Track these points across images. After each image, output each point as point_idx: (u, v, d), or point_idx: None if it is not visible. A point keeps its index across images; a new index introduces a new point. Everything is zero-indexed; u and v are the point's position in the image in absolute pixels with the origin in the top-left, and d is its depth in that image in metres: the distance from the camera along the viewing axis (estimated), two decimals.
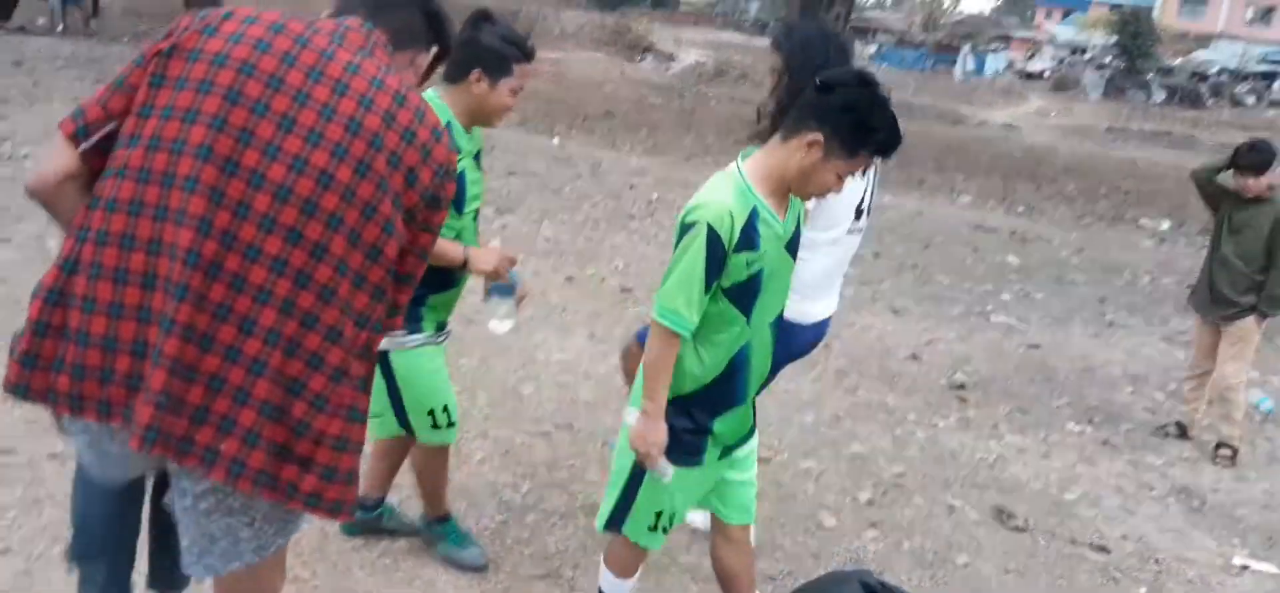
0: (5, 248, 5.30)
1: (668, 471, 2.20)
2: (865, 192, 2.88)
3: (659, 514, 2.33)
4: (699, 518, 3.20)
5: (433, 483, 2.93)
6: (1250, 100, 31.53)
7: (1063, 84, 33.19)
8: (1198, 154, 17.73)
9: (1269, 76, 35.18)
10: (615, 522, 2.37)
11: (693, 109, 15.62)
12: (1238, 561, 3.59)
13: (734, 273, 2.11)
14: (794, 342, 2.89)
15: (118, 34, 15.31)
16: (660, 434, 2.17)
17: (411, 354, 2.63)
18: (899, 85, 23.88)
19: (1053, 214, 10.76)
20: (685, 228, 2.11)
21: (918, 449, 4.29)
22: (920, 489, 3.88)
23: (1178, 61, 37.51)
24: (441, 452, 2.88)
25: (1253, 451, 4.66)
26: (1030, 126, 20.66)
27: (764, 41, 29.27)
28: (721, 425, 2.26)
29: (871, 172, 2.85)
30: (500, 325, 2.76)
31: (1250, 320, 4.53)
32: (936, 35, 42.85)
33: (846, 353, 5.39)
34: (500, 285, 2.71)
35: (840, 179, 2.11)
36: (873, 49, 37.50)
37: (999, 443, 4.49)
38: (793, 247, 2.26)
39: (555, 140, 11.54)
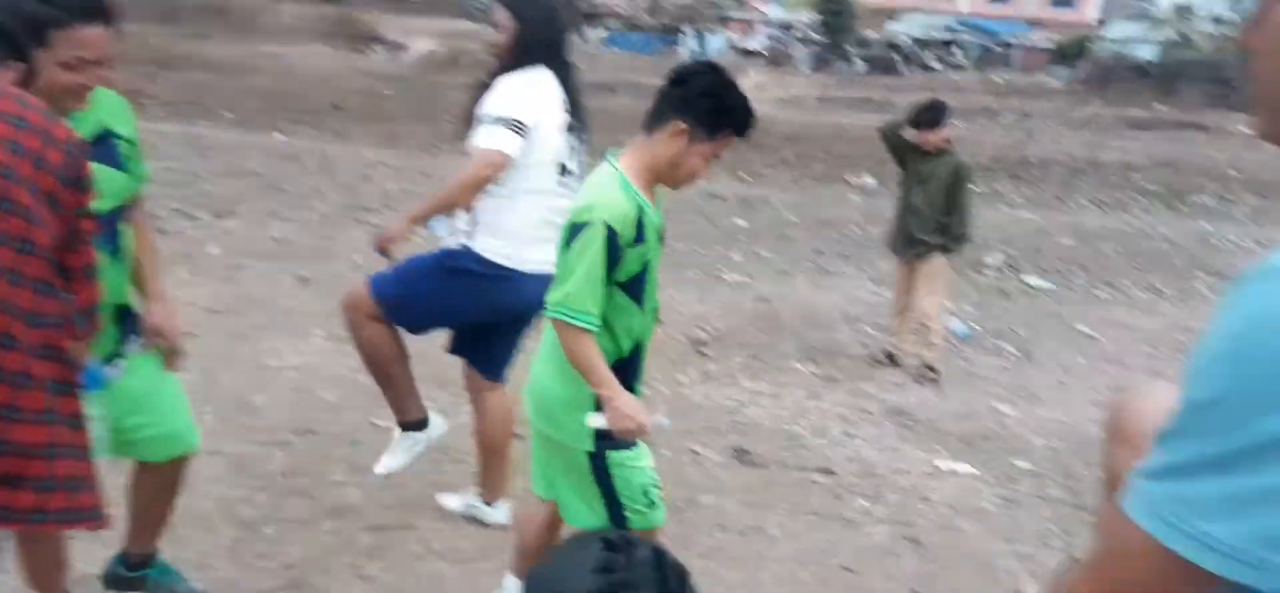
0: None
1: (664, 421, 2.45)
2: (566, 154, 2.99)
3: (645, 490, 2.36)
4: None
5: (159, 511, 2.58)
6: (937, 66, 35.31)
7: (777, 59, 35.57)
8: (896, 115, 19.72)
9: (949, 43, 39.56)
10: (620, 527, 2.32)
11: (428, 98, 15.30)
12: (941, 466, 4.04)
13: (629, 267, 2.22)
14: (521, 291, 2.94)
15: None
16: (631, 404, 2.25)
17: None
18: (629, 68, 24.62)
19: (774, 179, 11.55)
20: (576, 228, 2.19)
21: (664, 407, 4.47)
22: (667, 442, 4.04)
23: (873, 34, 41.27)
24: (174, 469, 2.52)
25: (951, 370, 5.25)
26: (752, 100, 21.98)
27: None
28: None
29: (570, 134, 2.99)
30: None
31: (939, 257, 5.10)
32: (660, 18, 44.51)
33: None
34: None
35: (706, 161, 2.25)
36: (602, 33, 38.35)
37: (737, 390, 4.77)
38: (663, 236, 2.38)
39: (278, 137, 10.90)
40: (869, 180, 11.59)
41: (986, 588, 3.09)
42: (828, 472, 3.88)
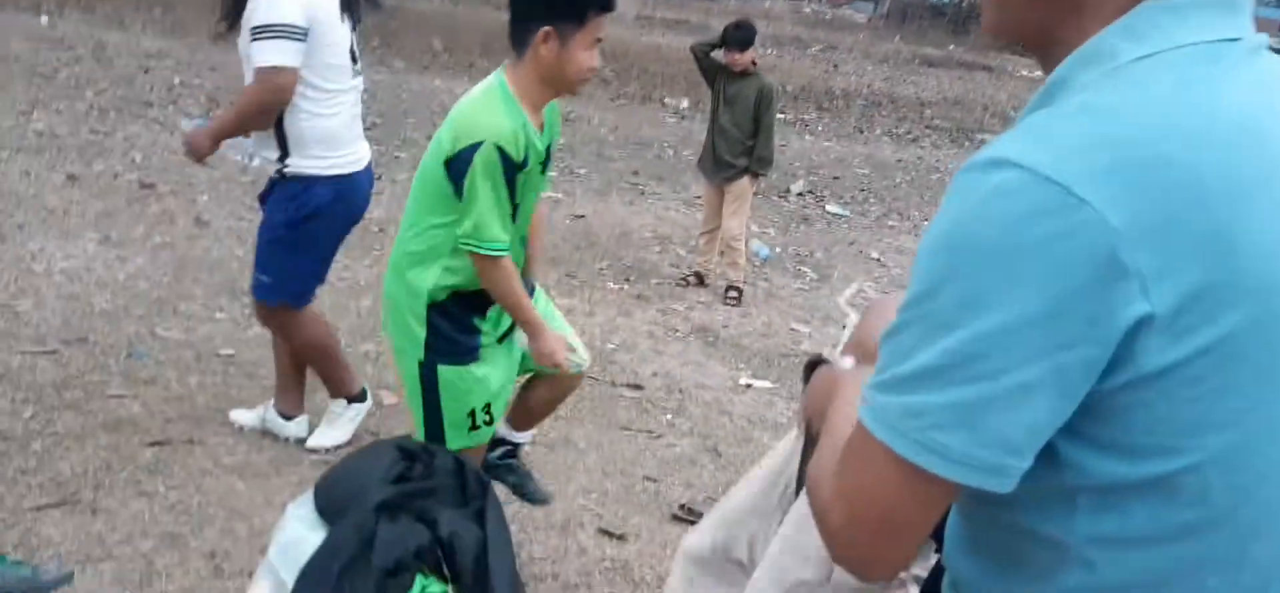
0: None
1: (582, 359, 2.55)
2: (351, 41, 2.92)
3: (472, 413, 2.31)
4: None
5: None
6: None
7: None
8: (708, 37, 20.01)
9: None
10: (437, 442, 2.26)
11: None
12: (743, 381, 4.22)
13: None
14: (359, 189, 2.99)
15: None
16: (552, 338, 2.31)
17: None
18: None
19: (593, 97, 11.48)
20: (464, 154, 2.11)
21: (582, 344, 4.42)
22: None
23: None
24: None
25: (754, 291, 5.47)
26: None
27: None
28: (488, 321, 2.32)
29: (349, 24, 2.90)
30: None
31: (745, 180, 5.25)
32: None
33: None
34: None
35: (589, 50, 2.16)
36: None
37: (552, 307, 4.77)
38: (546, 162, 2.32)
39: (43, 19, 9.77)
40: (684, 102, 11.76)
41: None
42: (636, 387, 3.97)
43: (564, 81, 2.21)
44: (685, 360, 4.39)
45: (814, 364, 1.22)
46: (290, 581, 1.98)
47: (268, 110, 2.76)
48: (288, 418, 3.14)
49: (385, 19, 13.60)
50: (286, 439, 3.12)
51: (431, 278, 2.26)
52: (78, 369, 3.34)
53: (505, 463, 2.68)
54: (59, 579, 2.17)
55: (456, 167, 2.14)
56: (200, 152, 2.85)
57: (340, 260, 4.74)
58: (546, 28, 2.12)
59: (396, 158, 6.88)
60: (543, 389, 2.61)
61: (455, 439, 2.34)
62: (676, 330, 4.75)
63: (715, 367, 4.36)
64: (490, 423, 2.39)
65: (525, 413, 2.66)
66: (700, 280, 5.45)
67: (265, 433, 3.14)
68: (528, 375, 2.58)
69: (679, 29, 21.73)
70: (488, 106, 2.16)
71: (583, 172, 7.71)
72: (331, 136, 2.87)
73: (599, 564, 2.75)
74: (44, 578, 2.17)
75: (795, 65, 16.40)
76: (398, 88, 9.40)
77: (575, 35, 2.14)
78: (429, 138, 7.58)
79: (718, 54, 5.19)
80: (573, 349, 2.47)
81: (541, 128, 2.27)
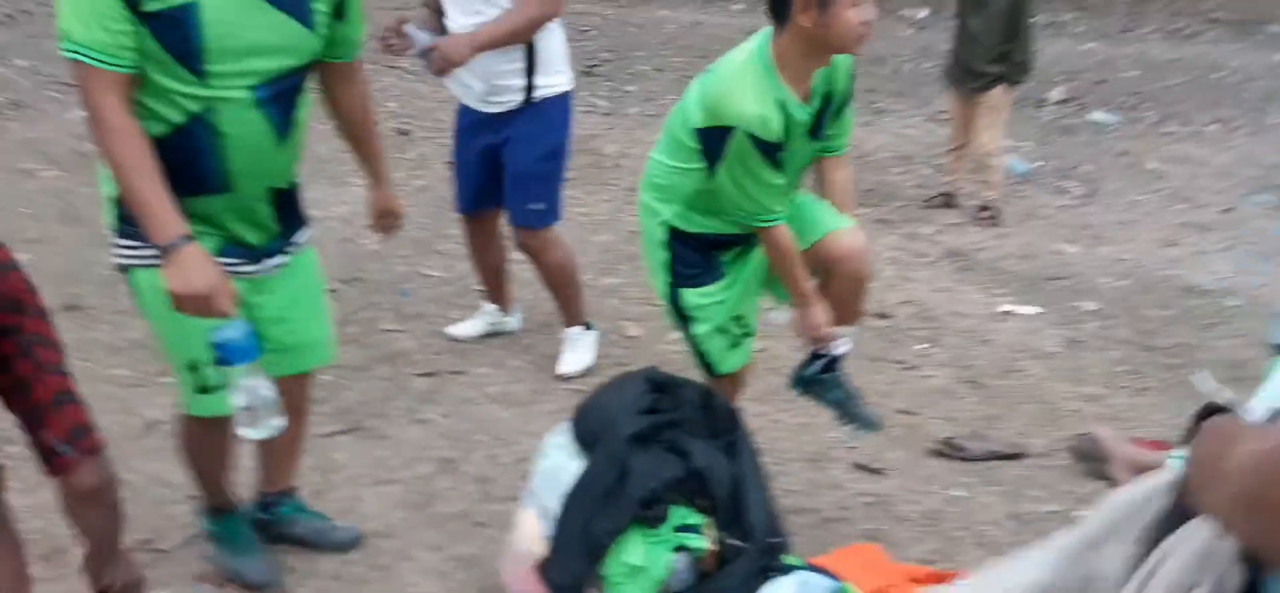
0: None
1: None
2: None
3: (723, 329, 2.36)
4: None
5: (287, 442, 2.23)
6: None
7: None
8: None
9: None
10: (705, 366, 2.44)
11: None
12: (1002, 308, 3.92)
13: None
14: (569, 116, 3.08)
15: None
16: (815, 313, 2.27)
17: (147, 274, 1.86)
18: None
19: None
20: (714, 133, 2.05)
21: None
22: None
23: None
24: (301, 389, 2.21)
25: (1011, 209, 5.06)
26: None
27: None
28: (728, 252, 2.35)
29: None
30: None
31: (999, 90, 4.83)
32: None
33: (636, 170, 5.34)
34: None
35: (856, 5, 1.98)
36: None
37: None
38: (817, 128, 2.18)
39: None
40: (922, 11, 11.04)
41: (1051, 430, 3.02)
42: (883, 316, 3.79)
43: (833, 46, 2.04)
44: (936, 287, 4.14)
45: (1209, 412, 0.99)
46: (554, 507, 2.04)
47: (539, 24, 2.81)
48: (507, 313, 3.41)
49: None
50: (512, 331, 3.39)
51: (667, 211, 2.28)
52: (354, 307, 3.62)
53: (822, 378, 2.45)
54: (347, 542, 2.33)
55: (707, 143, 2.09)
56: (458, 58, 2.78)
57: (576, 195, 4.86)
58: None
59: (626, 91, 6.93)
60: (834, 286, 2.38)
61: (719, 359, 2.35)
62: (925, 255, 4.49)
63: (970, 292, 4.08)
64: (747, 335, 2.36)
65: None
66: (948, 201, 5.11)
67: (495, 333, 3.40)
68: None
69: None
70: (741, 84, 2.04)
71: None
72: (564, 52, 2.96)
73: (857, 498, 2.66)
74: (335, 536, 2.34)
75: None
76: (624, 21, 9.45)
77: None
78: (657, 70, 7.57)
79: None
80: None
81: (807, 98, 2.11)
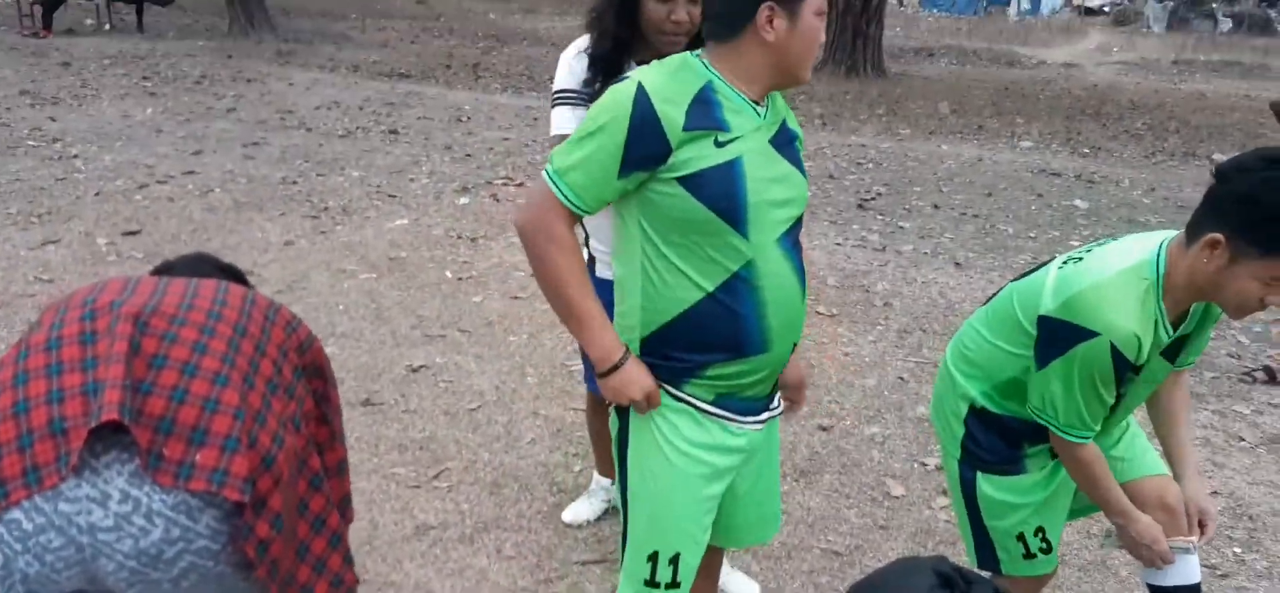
0: (56, 248, 5.32)
1: (1190, 542, 2.10)
2: None
3: (1022, 537, 2.09)
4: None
5: None
6: None
7: (1124, 18, 31.91)
8: (1270, 82, 16.90)
9: None
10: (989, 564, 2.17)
11: None
12: None
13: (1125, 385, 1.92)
14: None
15: (164, 30, 15.48)
16: (1146, 527, 2.00)
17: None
18: (949, 31, 23.25)
19: (1120, 153, 10.31)
20: (1066, 328, 1.82)
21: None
22: None
23: None
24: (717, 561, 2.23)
25: None
26: (1091, 64, 19.91)
27: None
28: (1038, 447, 2.11)
29: None
30: None
31: None
32: None
33: (908, 311, 5.17)
34: None
35: (1264, 285, 1.73)
36: None
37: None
38: (1175, 352, 1.96)
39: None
40: (1224, 154, 10.01)
41: None
42: None
43: (1217, 299, 1.82)
44: (1254, 478, 3.59)
45: None
46: None
47: None
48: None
49: (890, 86, 13.65)
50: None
51: (975, 390, 2.07)
52: None
53: None
54: None
55: (1053, 336, 1.85)
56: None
57: (842, 333, 4.74)
58: (1218, 235, 1.72)
59: (900, 228, 6.75)
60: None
61: (1009, 565, 2.11)
62: (1242, 438, 3.93)
63: None
64: (1048, 551, 2.08)
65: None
66: (1272, 377, 4.47)
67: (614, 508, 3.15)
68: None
69: (1228, 72, 18.78)
70: (1124, 293, 1.80)
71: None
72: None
73: None
74: None
75: None
76: (903, 154, 9.29)
77: (1253, 263, 1.71)
78: (934, 207, 7.34)
79: None
80: (1184, 533, 2.06)
81: (1178, 324, 1.91)
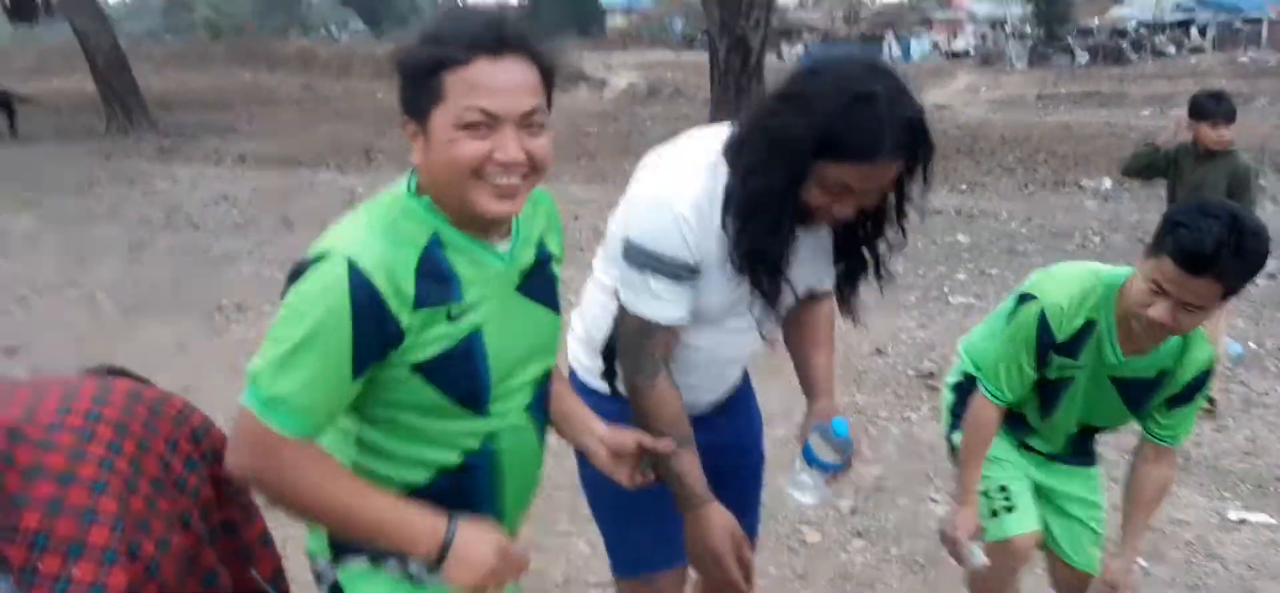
0: None
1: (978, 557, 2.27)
2: None
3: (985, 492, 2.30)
4: None
5: None
6: (1171, 50, 32.31)
7: (988, 59, 33.75)
8: (1128, 109, 18.07)
9: (1185, 24, 36.13)
10: None
11: (629, 131, 15.58)
12: (1232, 514, 3.53)
13: (1051, 368, 2.11)
14: None
15: (39, 135, 14.89)
16: (965, 518, 2.24)
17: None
18: None
19: (996, 188, 10.84)
20: (1025, 295, 2.12)
21: (894, 446, 4.20)
22: (903, 489, 3.78)
23: (1095, 21, 38.37)
24: None
25: (1228, 398, 4.63)
26: (961, 104, 20.95)
27: (692, 56, 29.37)
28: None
29: None
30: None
31: None
32: (859, 27, 43.44)
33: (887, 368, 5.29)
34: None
35: (1146, 294, 1.86)
36: (799, 49, 37.92)
37: None
38: (1125, 384, 2.08)
39: None
40: (1105, 182, 10.65)
41: None
42: None
43: (1132, 316, 1.98)
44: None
45: None
46: None
47: None
48: None
49: None
50: None
51: (963, 367, 2.48)
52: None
53: None
54: None
55: (1014, 302, 2.21)
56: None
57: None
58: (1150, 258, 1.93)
59: None
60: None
61: (986, 526, 2.27)
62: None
63: (1191, 496, 3.70)
64: (1010, 510, 2.25)
65: None
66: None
67: None
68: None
69: (1088, 102, 20.02)
70: (1069, 280, 2.09)
71: (994, 271, 7.20)
72: None
73: None
74: None
75: (1239, 123, 14.20)
76: None
77: (1144, 264, 1.93)
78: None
79: (1178, 136, 4.51)
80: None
81: (1136, 354, 2.06)
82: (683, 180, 1.64)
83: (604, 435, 1.66)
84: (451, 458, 1.41)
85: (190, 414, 1.61)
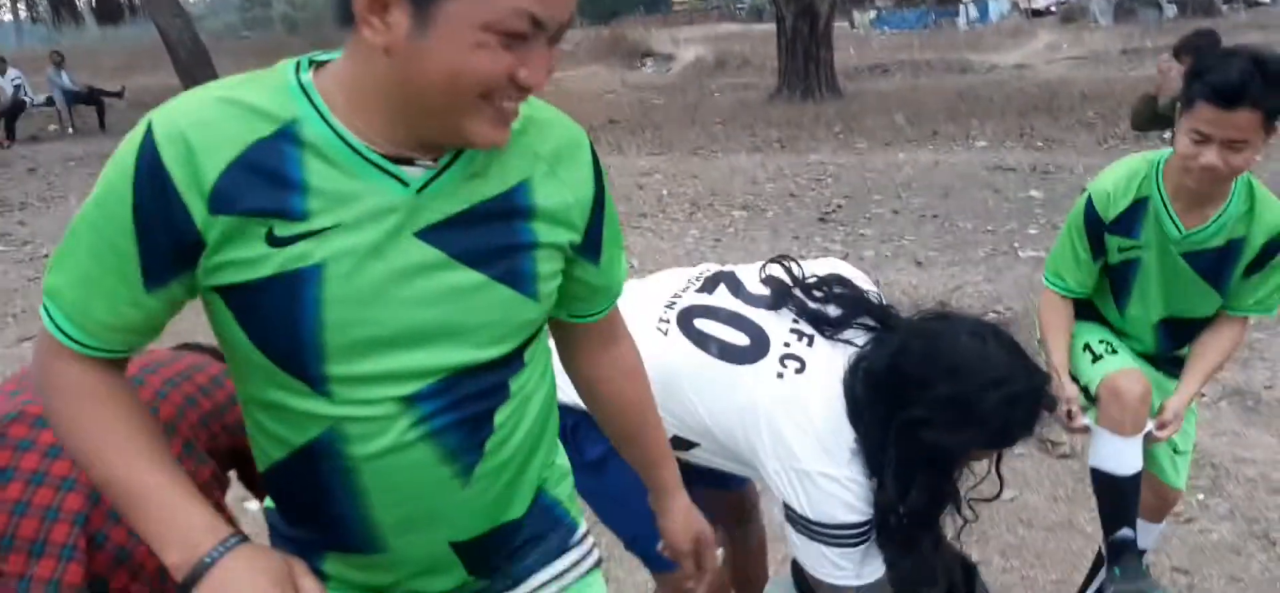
0: (32, 345, 5.38)
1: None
2: None
3: (1087, 346, 2.30)
4: None
5: None
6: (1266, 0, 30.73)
7: (1071, 16, 32.57)
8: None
9: None
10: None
11: (696, 104, 15.57)
12: None
13: (1110, 252, 2.14)
14: None
15: (126, 128, 15.59)
16: (1065, 391, 2.19)
17: None
18: (902, 47, 23.68)
19: (1074, 143, 10.55)
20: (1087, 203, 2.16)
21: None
22: None
23: None
24: None
25: None
26: (1042, 62, 20.34)
27: (761, 27, 29.05)
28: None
29: None
30: None
31: None
32: None
33: None
34: None
35: (1188, 140, 1.91)
36: (871, 16, 37.16)
37: None
38: (1196, 258, 2.07)
39: None
40: None
41: None
42: None
43: (1179, 168, 2.01)
44: (1217, 430, 3.71)
45: None
46: None
47: None
48: None
49: (846, 104, 13.91)
50: None
51: None
52: None
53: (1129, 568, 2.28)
54: None
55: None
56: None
57: None
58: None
59: (861, 235, 6.90)
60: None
61: (1087, 376, 2.24)
62: (1202, 394, 4.03)
63: (1258, 436, 3.62)
64: (1114, 353, 2.21)
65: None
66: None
67: None
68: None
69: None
70: (1117, 167, 2.14)
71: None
72: None
73: None
74: None
75: None
76: (861, 167, 9.49)
77: (1183, 116, 1.94)
78: (894, 212, 7.50)
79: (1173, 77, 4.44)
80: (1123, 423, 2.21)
81: (1198, 223, 2.06)
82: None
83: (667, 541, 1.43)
84: (293, 437, 1.06)
85: (201, 399, 1.60)
